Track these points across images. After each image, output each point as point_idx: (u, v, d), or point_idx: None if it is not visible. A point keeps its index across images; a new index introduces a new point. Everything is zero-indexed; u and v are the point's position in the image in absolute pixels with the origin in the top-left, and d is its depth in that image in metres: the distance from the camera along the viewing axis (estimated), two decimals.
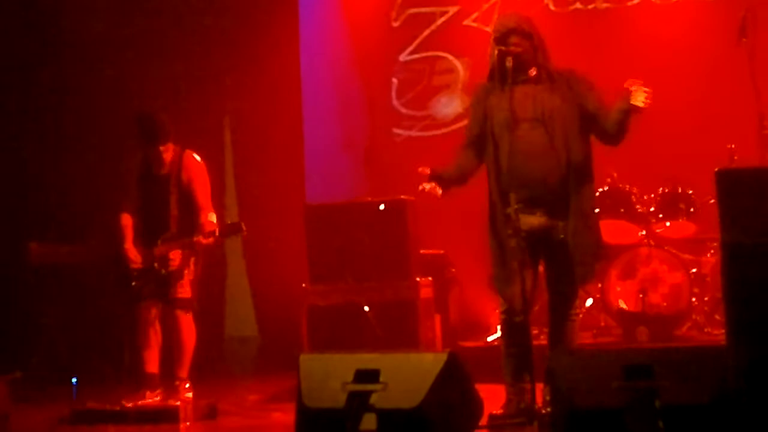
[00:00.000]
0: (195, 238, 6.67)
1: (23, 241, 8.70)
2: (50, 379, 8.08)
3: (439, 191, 5.56)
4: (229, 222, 7.03)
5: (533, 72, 5.54)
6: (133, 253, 6.80)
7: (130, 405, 6.60)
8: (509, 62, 5.42)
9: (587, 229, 5.52)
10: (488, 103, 5.58)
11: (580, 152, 5.50)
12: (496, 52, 5.48)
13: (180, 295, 6.78)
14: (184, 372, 6.77)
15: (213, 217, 6.82)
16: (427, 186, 5.53)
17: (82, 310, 8.68)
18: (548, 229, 5.49)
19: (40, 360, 8.42)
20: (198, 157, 6.93)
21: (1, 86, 9.26)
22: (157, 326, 6.82)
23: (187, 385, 6.32)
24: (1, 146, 9.26)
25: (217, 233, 6.70)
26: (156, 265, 6.73)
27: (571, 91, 5.51)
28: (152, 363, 6.80)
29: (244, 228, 6.69)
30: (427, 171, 5.53)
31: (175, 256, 6.75)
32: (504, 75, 5.44)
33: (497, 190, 5.50)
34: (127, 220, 6.90)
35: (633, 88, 5.29)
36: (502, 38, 5.50)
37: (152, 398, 6.74)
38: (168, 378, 6.80)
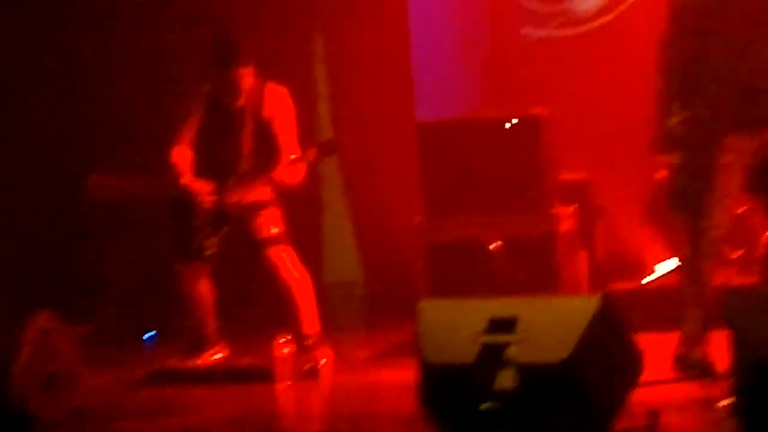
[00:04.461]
0: (273, 173, 6.59)
1: (83, 174, 8.79)
2: (122, 334, 8.22)
3: None
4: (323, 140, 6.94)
5: None
6: (198, 185, 6.71)
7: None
8: None
9: None
10: None
11: None
12: None
13: (271, 233, 6.72)
14: (310, 327, 6.76)
15: None
16: None
17: (154, 252, 8.73)
18: None
19: (110, 312, 8.51)
20: (284, 90, 6.85)
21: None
22: (209, 283, 6.81)
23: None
24: (62, 67, 9.37)
25: (313, 155, 6.56)
26: (232, 214, 6.67)
27: None
28: (209, 324, 6.83)
29: (342, 145, 6.60)
30: None
31: (253, 194, 6.68)
32: None
33: None
34: (182, 154, 6.80)
35: None
36: None
37: (211, 358, 6.82)
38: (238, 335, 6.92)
